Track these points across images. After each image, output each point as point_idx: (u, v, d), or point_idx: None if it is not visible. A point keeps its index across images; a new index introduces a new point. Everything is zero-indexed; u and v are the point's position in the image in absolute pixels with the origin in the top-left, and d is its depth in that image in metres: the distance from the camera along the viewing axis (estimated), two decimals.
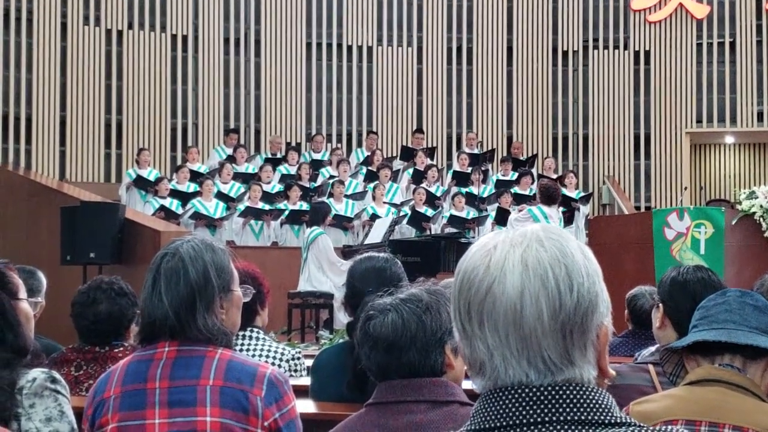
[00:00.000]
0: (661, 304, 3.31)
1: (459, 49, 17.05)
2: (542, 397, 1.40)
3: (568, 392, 1.40)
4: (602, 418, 1.40)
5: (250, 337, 3.99)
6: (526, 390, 1.40)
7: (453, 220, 13.21)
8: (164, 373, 2.58)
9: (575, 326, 1.42)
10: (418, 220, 13.13)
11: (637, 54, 16.87)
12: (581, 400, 1.40)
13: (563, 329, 1.41)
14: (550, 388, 1.40)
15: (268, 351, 3.95)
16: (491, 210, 13.73)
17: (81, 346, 3.90)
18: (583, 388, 1.41)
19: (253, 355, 3.90)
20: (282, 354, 3.98)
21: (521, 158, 15.67)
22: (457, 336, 1.49)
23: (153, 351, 2.63)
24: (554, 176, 14.60)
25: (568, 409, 1.39)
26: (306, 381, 3.77)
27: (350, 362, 3.23)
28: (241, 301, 2.77)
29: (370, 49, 16.88)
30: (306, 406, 3.24)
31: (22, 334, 2.68)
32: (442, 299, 2.46)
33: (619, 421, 1.40)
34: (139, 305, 3.67)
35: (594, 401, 1.41)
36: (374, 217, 12.93)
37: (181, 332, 2.59)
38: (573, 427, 1.38)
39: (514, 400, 1.40)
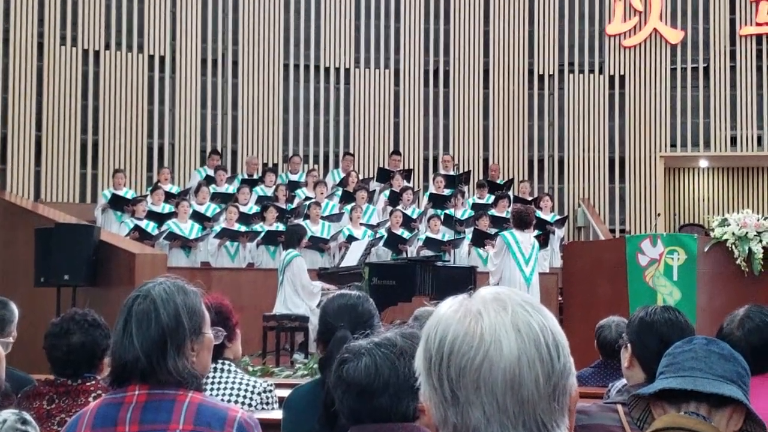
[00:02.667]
0: (629, 345, 3.34)
1: (436, 71, 17.12)
2: None
3: None
4: None
5: (221, 370, 3.98)
6: None
7: (429, 243, 13.20)
8: (134, 417, 2.57)
9: (561, 389, 1.45)
10: (394, 242, 13.13)
11: (612, 78, 16.98)
12: None
13: (554, 392, 1.44)
14: None
15: (240, 383, 3.94)
16: (468, 232, 13.76)
17: (53, 379, 3.88)
18: None
19: (224, 388, 3.89)
20: (254, 387, 3.96)
21: (498, 181, 15.70)
22: (436, 402, 1.48)
23: (123, 394, 2.62)
24: (530, 199, 14.65)
25: None
26: (277, 414, 3.76)
27: (322, 399, 3.23)
28: (212, 344, 2.77)
29: (347, 70, 16.91)
30: None
31: None
32: (417, 343, 2.47)
33: None
34: (111, 337, 3.67)
35: None
36: (351, 238, 12.90)
37: (152, 375, 2.59)
38: None
39: None
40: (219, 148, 16.15)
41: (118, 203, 13.56)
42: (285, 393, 3.80)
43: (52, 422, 3.72)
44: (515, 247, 10.38)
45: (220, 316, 3.78)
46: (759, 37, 16.76)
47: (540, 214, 14.12)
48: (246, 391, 3.90)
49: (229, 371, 3.91)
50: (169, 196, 13.70)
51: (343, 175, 15.36)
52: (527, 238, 10.52)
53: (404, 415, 2.43)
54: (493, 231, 13.73)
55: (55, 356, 3.87)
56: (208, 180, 14.40)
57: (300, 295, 10.99)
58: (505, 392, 1.42)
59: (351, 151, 16.53)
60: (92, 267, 10.63)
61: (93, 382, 3.82)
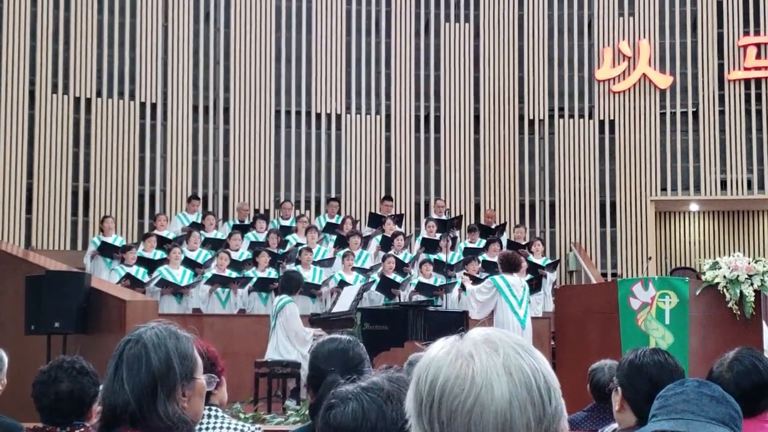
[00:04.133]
0: (619, 388, 3.33)
1: (427, 117, 17.20)
2: None
3: None
4: None
5: (209, 416, 3.95)
6: None
7: (421, 287, 13.20)
8: None
9: None
10: (387, 286, 13.12)
11: (602, 123, 17.08)
12: None
13: None
14: None
15: (227, 429, 3.91)
16: (458, 278, 13.75)
17: (42, 426, 3.86)
18: None
19: None
20: (242, 431, 3.94)
21: (492, 227, 15.72)
22: None
23: None
24: (524, 243, 14.68)
25: None
26: None
27: None
28: (204, 390, 2.75)
29: (338, 116, 16.98)
30: None
31: None
32: (404, 387, 2.46)
33: None
34: (100, 389, 3.65)
35: None
36: (343, 284, 12.89)
37: (142, 420, 2.57)
38: None
39: None
40: (210, 194, 16.17)
41: (107, 250, 13.53)
42: None
43: None
44: (507, 291, 10.38)
45: (206, 362, 3.76)
46: (747, 82, 16.89)
47: (532, 258, 14.14)
48: None
49: (216, 416, 3.88)
50: (164, 242, 13.68)
51: (328, 219, 15.39)
52: (518, 281, 10.53)
53: None
54: (483, 275, 13.75)
55: (43, 404, 3.85)
56: (197, 226, 14.38)
57: (292, 341, 10.95)
58: None
59: (343, 197, 16.56)
60: (83, 314, 10.60)
61: (82, 429, 3.80)
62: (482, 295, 10.62)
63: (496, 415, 1.41)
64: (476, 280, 13.53)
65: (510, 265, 10.58)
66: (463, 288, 13.50)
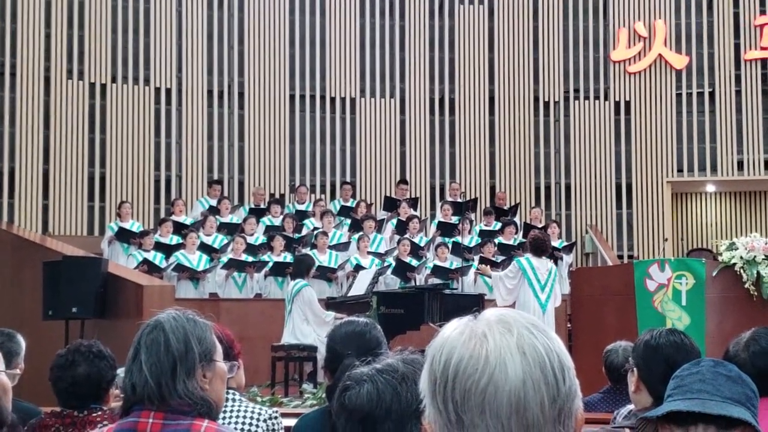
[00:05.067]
0: (635, 369, 3.33)
1: (441, 99, 17.17)
2: None
3: None
4: None
5: (227, 399, 3.97)
6: None
7: (437, 271, 13.21)
8: None
9: (567, 412, 1.44)
10: (402, 270, 13.14)
11: (617, 104, 17.02)
12: None
13: (560, 416, 1.43)
14: None
15: (245, 411, 3.92)
16: (475, 260, 13.75)
17: (60, 410, 3.88)
18: None
19: (230, 417, 3.88)
20: (259, 414, 3.94)
21: (505, 208, 15.71)
22: (440, 425, 1.46)
23: (136, 420, 2.60)
24: (540, 226, 14.65)
25: None
26: None
27: (329, 427, 3.22)
28: (226, 375, 2.76)
29: (353, 100, 16.97)
30: None
31: (1, 405, 2.67)
32: (418, 369, 2.46)
33: None
34: (117, 373, 3.67)
35: None
36: (358, 268, 12.91)
37: (162, 400, 2.58)
38: None
39: None
40: (226, 179, 16.20)
41: (124, 236, 13.59)
42: (293, 422, 3.78)
43: None
44: (531, 273, 10.35)
45: (227, 346, 3.78)
46: (764, 61, 16.82)
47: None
48: (252, 419, 3.89)
49: (234, 400, 3.90)
50: (181, 227, 13.72)
51: (343, 203, 15.41)
52: (544, 264, 10.47)
53: None
54: (499, 258, 13.74)
55: (60, 388, 3.87)
56: (213, 211, 14.42)
57: (311, 324, 10.99)
58: (510, 415, 1.41)
59: (358, 181, 16.57)
60: (100, 299, 10.66)
61: (99, 412, 3.81)
62: (511, 280, 10.57)
63: (509, 394, 1.41)
64: (492, 264, 13.55)
65: (538, 248, 10.52)
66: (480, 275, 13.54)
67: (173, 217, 14.09)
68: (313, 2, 16.85)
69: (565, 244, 14.63)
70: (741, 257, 9.17)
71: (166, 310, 2.74)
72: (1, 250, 13.49)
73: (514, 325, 1.46)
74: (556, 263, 13.48)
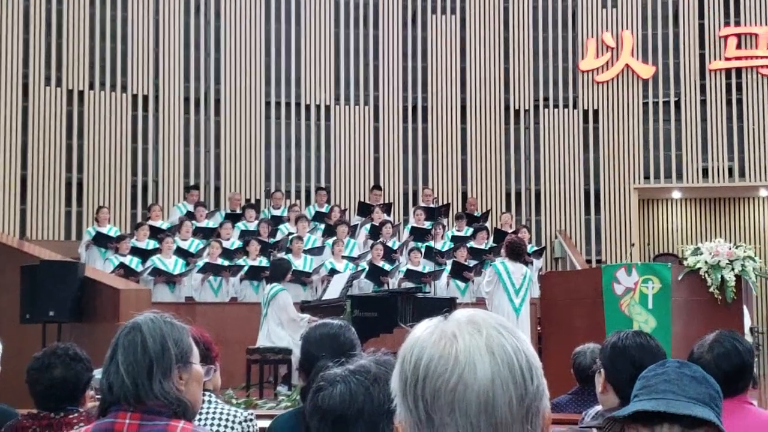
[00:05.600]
0: (602, 370, 3.35)
1: (414, 107, 17.19)
2: None
3: None
4: None
5: (202, 401, 3.96)
6: None
7: (410, 275, 13.21)
8: None
9: (534, 411, 1.44)
10: (376, 274, 13.14)
11: (585, 113, 17.10)
12: None
13: (527, 414, 1.43)
14: None
15: (221, 413, 3.91)
16: (448, 264, 13.77)
17: (37, 412, 3.85)
18: None
19: (206, 418, 3.86)
20: (234, 416, 3.93)
21: (476, 214, 15.75)
22: (412, 424, 1.46)
23: (113, 421, 2.59)
24: (510, 231, 14.68)
25: None
26: None
27: (302, 428, 3.22)
28: (202, 378, 2.75)
29: (328, 107, 16.96)
30: None
31: None
32: (390, 370, 2.46)
33: None
34: (93, 375, 3.64)
35: None
36: (333, 272, 12.90)
37: (138, 400, 2.57)
38: None
39: None
40: (202, 185, 16.13)
41: (101, 240, 13.51)
42: (267, 424, 3.77)
43: None
44: (506, 278, 10.37)
45: (204, 348, 3.77)
46: (728, 71, 16.92)
47: None
48: (228, 420, 3.87)
49: (209, 401, 3.88)
50: (157, 232, 13.66)
51: (318, 209, 15.39)
52: (519, 269, 10.49)
53: None
54: (472, 263, 13.76)
55: (37, 390, 3.84)
56: (189, 216, 14.36)
57: (285, 328, 10.96)
58: (479, 414, 1.41)
59: (332, 186, 16.56)
60: (77, 303, 10.58)
61: (76, 414, 3.79)
62: (489, 285, 10.62)
63: (478, 393, 1.41)
64: (465, 268, 13.57)
65: (514, 253, 10.55)
66: (453, 276, 13.56)
67: (150, 222, 14.02)
68: (288, 11, 16.83)
69: (535, 249, 14.68)
70: (706, 262, 9.24)
71: (144, 312, 2.74)
72: None
73: (483, 326, 1.46)
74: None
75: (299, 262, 13.09)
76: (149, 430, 2.55)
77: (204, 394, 3.97)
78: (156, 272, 12.78)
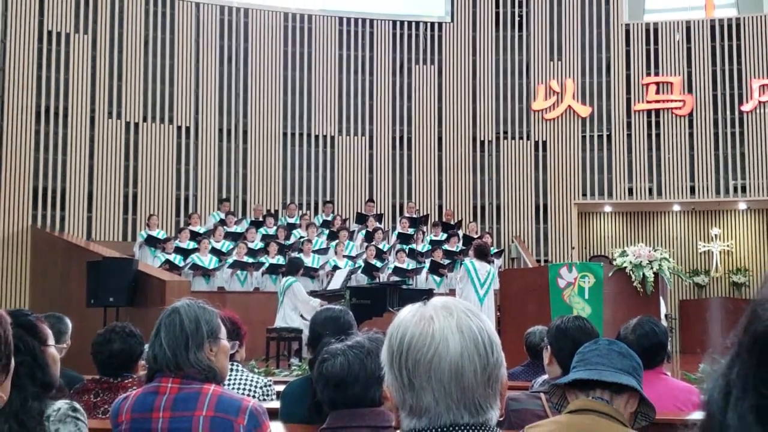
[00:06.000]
0: (549, 347, 3.34)
1: (401, 138, 17.18)
2: None
3: (485, 430, 1.43)
4: None
5: (231, 369, 3.94)
6: (460, 428, 1.42)
7: (396, 271, 13.21)
8: (167, 405, 2.55)
9: (494, 378, 1.45)
10: (369, 270, 13.13)
11: (536, 143, 17.12)
12: None
13: (489, 380, 1.43)
14: (476, 427, 1.42)
15: (246, 380, 3.90)
16: (427, 262, 13.76)
17: (99, 378, 3.84)
18: (494, 429, 1.45)
19: (234, 384, 3.85)
20: (256, 383, 3.93)
21: (451, 223, 15.75)
22: (396, 388, 1.46)
23: (158, 385, 2.60)
24: (476, 236, 14.69)
25: None
26: (276, 404, 3.72)
27: (309, 392, 3.21)
28: (228, 351, 2.75)
29: (332, 138, 16.95)
30: (276, 428, 3.21)
31: (50, 373, 2.63)
32: (381, 345, 2.46)
33: None
34: (144, 345, 3.63)
35: None
36: (335, 268, 12.89)
37: (176, 367, 2.57)
38: None
39: None
40: (232, 198, 16.11)
41: (151, 242, 13.49)
42: (282, 388, 3.76)
43: (97, 412, 3.68)
44: (473, 274, 10.37)
45: (232, 326, 3.77)
46: (649, 112, 16.97)
47: None
48: (250, 386, 3.87)
49: (237, 370, 3.88)
50: (196, 235, 13.65)
51: (324, 218, 15.38)
52: (484, 267, 10.48)
53: (372, 401, 2.42)
54: (446, 262, 13.76)
55: (99, 360, 3.84)
56: (222, 223, 14.36)
57: (300, 311, 10.93)
58: (450, 381, 1.42)
59: (336, 200, 16.55)
60: (131, 291, 10.58)
61: (130, 379, 3.79)
62: (461, 280, 10.59)
63: (450, 363, 1.42)
64: (440, 265, 13.56)
65: (481, 254, 10.54)
66: (431, 272, 13.53)
67: (190, 227, 14.01)
68: (302, 61, 16.83)
69: (496, 251, 14.68)
70: (630, 262, 9.26)
71: (182, 299, 2.74)
72: (54, 252, 13.36)
73: (454, 310, 1.47)
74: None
75: (309, 260, 13.07)
76: (186, 391, 2.56)
77: (231, 365, 3.97)
78: (194, 267, 12.76)
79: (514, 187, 16.99)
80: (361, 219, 15.24)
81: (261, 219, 14.99)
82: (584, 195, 16.98)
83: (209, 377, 2.60)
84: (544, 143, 17.07)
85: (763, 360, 0.41)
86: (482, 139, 17.20)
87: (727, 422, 0.41)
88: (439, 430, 1.42)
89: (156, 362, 2.61)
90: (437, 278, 13.59)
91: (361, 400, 2.40)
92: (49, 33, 15.09)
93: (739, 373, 0.42)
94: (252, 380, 3.90)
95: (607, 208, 17.53)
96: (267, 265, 13.07)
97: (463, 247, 14.15)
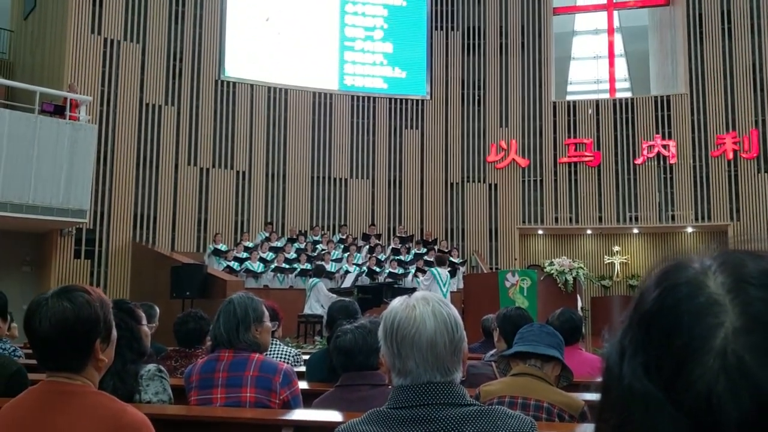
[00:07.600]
0: (498, 329, 3.34)
1: (395, 181, 17.18)
2: (442, 389, 1.41)
3: (452, 387, 1.42)
4: (464, 401, 1.42)
5: (272, 343, 3.92)
6: (433, 385, 1.41)
7: (390, 275, 13.17)
8: (225, 367, 2.55)
9: (458, 349, 1.44)
10: (371, 274, 13.09)
11: (491, 186, 17.12)
12: (458, 392, 1.42)
13: (455, 351, 1.43)
14: (446, 385, 1.41)
15: (282, 351, 3.89)
16: (412, 269, 13.72)
17: (178, 349, 3.83)
18: (458, 386, 1.44)
19: (273, 353, 3.84)
20: (289, 353, 3.91)
21: (429, 240, 15.72)
22: (389, 356, 1.46)
23: (218, 354, 2.59)
24: (447, 250, 14.67)
25: (452, 397, 1.41)
26: (303, 369, 3.71)
27: (327, 360, 3.20)
28: (270, 330, 2.74)
29: (346, 180, 16.95)
30: (303, 385, 3.19)
31: (143, 345, 2.63)
32: (377, 326, 2.46)
33: (470, 402, 1.43)
34: (210, 325, 3.61)
35: (461, 392, 1.43)
36: (347, 272, 12.85)
37: (230, 343, 2.57)
38: (451, 407, 1.40)
39: (427, 390, 1.40)
40: (274, 222, 16.07)
41: (217, 253, 13.46)
42: (307, 357, 3.74)
43: (176, 373, 3.66)
44: (438, 277, 10.36)
45: (273, 313, 3.75)
46: (570, 164, 17.01)
47: (452, 258, 14.12)
48: (285, 355, 3.85)
49: (276, 344, 3.86)
50: (248, 249, 13.61)
51: (341, 236, 15.35)
52: (444, 272, 10.48)
53: (372, 366, 2.41)
54: (426, 269, 13.72)
55: (179, 336, 3.83)
56: (266, 239, 14.33)
57: (323, 304, 10.88)
58: (427, 351, 1.41)
59: (349, 224, 16.51)
60: (202, 287, 10.54)
61: (200, 350, 3.77)
62: (427, 281, 10.58)
63: (427, 338, 1.42)
64: (422, 271, 13.50)
65: (441, 262, 10.55)
66: (414, 275, 13.46)
67: (244, 243, 13.98)
68: (325, 125, 16.84)
69: (462, 260, 14.65)
70: (556, 270, 9.27)
71: (238, 293, 2.74)
72: (148, 260, 13.30)
73: (430, 301, 1.47)
74: (454, 272, 13.49)
75: (329, 267, 13.04)
76: (239, 358, 2.55)
77: (272, 340, 3.95)
78: (247, 271, 12.71)
79: (474, 216, 16.99)
80: (366, 237, 15.23)
81: (295, 237, 14.96)
82: (524, 222, 16.98)
83: (255, 349, 2.60)
84: (496, 185, 17.09)
85: (647, 331, 0.43)
86: (452, 181, 17.21)
87: (623, 373, 0.43)
88: (420, 386, 1.41)
89: (216, 339, 2.60)
90: (419, 280, 13.53)
91: (364, 365, 2.40)
92: (147, 105, 15.16)
93: (631, 339, 0.44)
94: (286, 351, 3.89)
95: (540, 231, 17.53)
96: (299, 270, 13.04)
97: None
